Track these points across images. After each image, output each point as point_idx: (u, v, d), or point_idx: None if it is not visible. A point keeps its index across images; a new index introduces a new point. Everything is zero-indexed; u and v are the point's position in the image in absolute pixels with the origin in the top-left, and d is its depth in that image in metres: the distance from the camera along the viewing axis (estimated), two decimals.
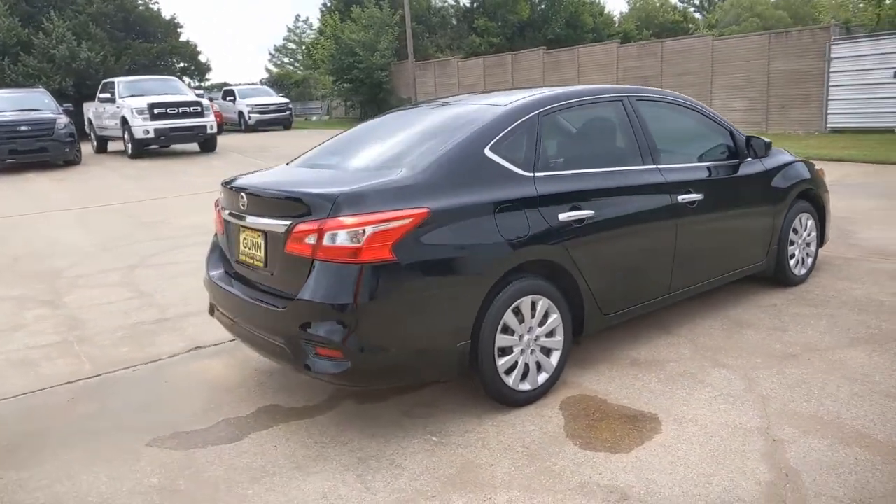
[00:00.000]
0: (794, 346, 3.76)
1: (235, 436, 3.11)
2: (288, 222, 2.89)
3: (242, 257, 3.31)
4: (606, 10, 41.72)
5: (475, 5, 38.00)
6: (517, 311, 3.09)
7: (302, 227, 2.81)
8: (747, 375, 3.41)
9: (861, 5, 16.79)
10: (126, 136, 15.88)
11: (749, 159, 4.35)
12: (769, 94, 16.71)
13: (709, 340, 3.91)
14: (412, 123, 3.81)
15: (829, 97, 15.47)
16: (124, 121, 15.66)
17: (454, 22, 39.21)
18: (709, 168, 4.13)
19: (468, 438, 2.95)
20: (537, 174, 3.23)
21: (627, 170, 3.65)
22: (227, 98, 27.77)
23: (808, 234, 4.88)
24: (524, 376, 3.17)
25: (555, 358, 3.27)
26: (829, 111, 15.55)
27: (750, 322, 4.17)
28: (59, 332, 4.69)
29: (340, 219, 2.72)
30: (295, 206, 2.94)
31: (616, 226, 3.46)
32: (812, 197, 4.87)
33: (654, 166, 3.74)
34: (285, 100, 28.05)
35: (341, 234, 2.71)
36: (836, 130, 15.37)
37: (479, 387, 3.12)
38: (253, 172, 3.78)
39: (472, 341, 2.94)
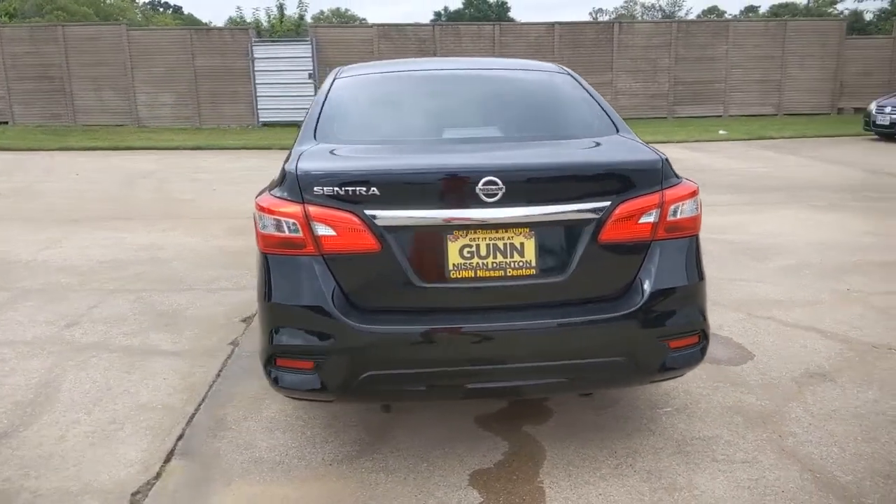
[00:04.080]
0: None
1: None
2: (605, 203, 2.22)
3: (463, 274, 2.19)
4: None
5: None
6: None
7: (632, 204, 2.24)
8: None
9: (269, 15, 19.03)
10: None
11: None
12: (198, 90, 16.97)
13: None
14: (479, 92, 3.08)
15: (258, 94, 16.94)
16: None
17: None
18: None
19: (692, 397, 2.97)
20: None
21: None
22: None
23: None
24: None
25: None
26: (259, 107, 17.04)
27: None
28: None
29: (681, 187, 2.34)
30: (607, 181, 2.30)
31: None
32: None
33: None
34: None
35: (684, 205, 2.33)
36: (267, 124, 17.02)
37: None
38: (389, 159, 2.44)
39: None
